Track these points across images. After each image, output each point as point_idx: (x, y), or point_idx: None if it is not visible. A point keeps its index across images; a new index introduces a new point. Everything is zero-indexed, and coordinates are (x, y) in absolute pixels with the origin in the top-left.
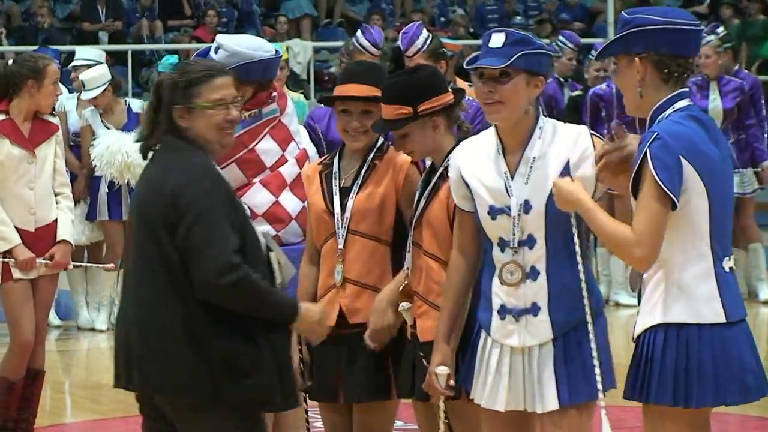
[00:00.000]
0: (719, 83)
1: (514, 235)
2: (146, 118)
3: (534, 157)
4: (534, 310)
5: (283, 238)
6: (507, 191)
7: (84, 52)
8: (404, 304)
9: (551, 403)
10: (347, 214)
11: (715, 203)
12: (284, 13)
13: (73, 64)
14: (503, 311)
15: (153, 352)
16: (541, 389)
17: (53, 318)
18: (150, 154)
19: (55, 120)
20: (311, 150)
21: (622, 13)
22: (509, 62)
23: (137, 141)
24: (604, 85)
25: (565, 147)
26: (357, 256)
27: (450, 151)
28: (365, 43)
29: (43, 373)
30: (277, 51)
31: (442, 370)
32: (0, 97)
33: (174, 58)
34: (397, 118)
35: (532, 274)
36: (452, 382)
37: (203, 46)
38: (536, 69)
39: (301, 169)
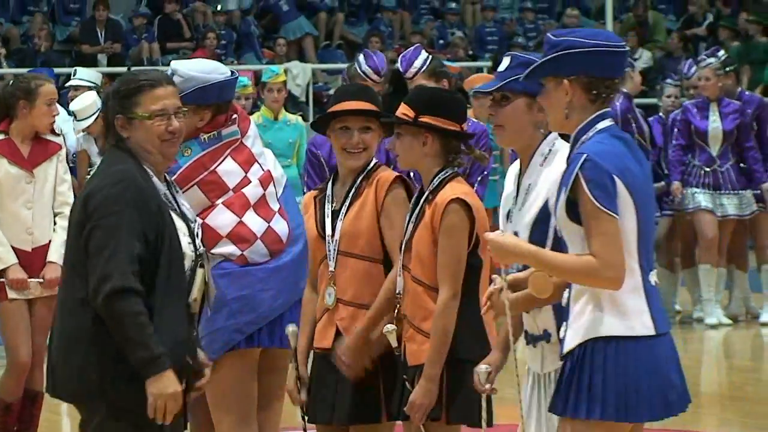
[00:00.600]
0: (719, 105)
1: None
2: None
3: (529, 185)
4: (546, 336)
5: (249, 258)
6: (509, 217)
7: (82, 73)
8: (389, 326)
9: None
10: (337, 236)
11: (643, 219)
12: (284, 34)
13: (70, 83)
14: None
15: (60, 357)
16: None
17: None
18: None
19: (58, 140)
20: (277, 172)
21: (548, 35)
22: (500, 85)
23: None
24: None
25: (549, 181)
26: (349, 278)
27: (435, 176)
28: (367, 69)
29: (42, 394)
30: (232, 72)
31: (482, 369)
32: (1, 117)
33: None
34: (399, 116)
35: None
36: (492, 385)
37: None
38: (537, 92)
39: (265, 190)
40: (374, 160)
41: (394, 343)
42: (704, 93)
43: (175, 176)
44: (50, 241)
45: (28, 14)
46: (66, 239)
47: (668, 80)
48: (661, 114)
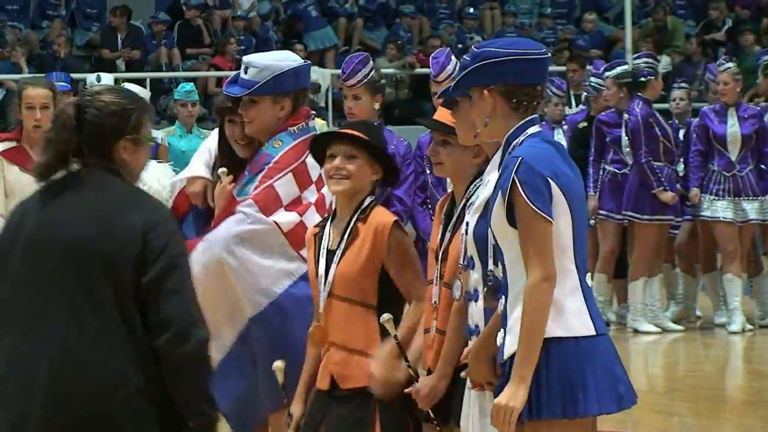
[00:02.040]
0: (737, 110)
1: (464, 253)
2: (59, 143)
3: (488, 180)
4: (477, 331)
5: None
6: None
7: (106, 79)
8: (385, 315)
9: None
10: (330, 278)
11: (576, 221)
12: (307, 42)
13: None
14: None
15: (88, 400)
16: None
17: None
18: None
19: None
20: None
21: (473, 47)
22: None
23: (36, 168)
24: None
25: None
26: (340, 321)
27: (472, 182)
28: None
29: None
30: (305, 60)
31: None
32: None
33: (190, 86)
34: (449, 123)
35: (474, 295)
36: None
37: (221, 73)
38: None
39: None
40: (369, 199)
41: (393, 331)
42: (723, 98)
43: (269, 166)
44: None
45: (48, 19)
46: (61, 270)
47: (674, 84)
48: (674, 119)
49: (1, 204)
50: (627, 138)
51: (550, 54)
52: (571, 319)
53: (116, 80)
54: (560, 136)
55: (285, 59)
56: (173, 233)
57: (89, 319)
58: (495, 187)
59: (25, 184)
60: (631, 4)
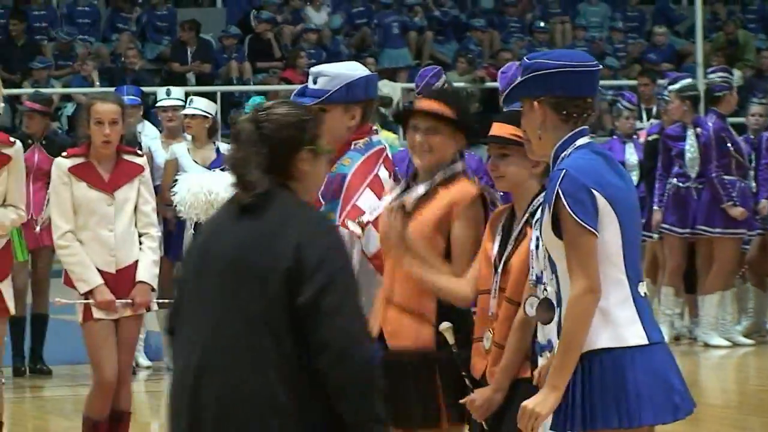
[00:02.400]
0: None
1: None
2: (255, 163)
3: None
4: (549, 346)
5: None
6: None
7: (199, 103)
8: (445, 324)
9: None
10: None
11: (627, 231)
12: (381, 59)
13: (185, 111)
14: None
15: (238, 421)
16: None
17: (142, 359)
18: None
19: (141, 161)
20: None
21: (524, 58)
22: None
23: (243, 188)
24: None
25: None
26: (405, 279)
27: (536, 197)
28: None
29: (129, 414)
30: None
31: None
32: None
33: (260, 99)
34: (508, 136)
35: None
36: None
37: (292, 87)
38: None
39: None
40: (455, 169)
41: (451, 340)
42: None
43: (345, 186)
44: (135, 262)
45: (118, 32)
46: (221, 286)
47: (753, 99)
48: (749, 134)
49: (69, 219)
50: (691, 152)
51: (601, 66)
52: (622, 329)
53: (186, 93)
54: (631, 150)
55: (356, 69)
56: (331, 247)
57: (238, 334)
58: (543, 201)
59: (92, 200)
60: (702, 18)
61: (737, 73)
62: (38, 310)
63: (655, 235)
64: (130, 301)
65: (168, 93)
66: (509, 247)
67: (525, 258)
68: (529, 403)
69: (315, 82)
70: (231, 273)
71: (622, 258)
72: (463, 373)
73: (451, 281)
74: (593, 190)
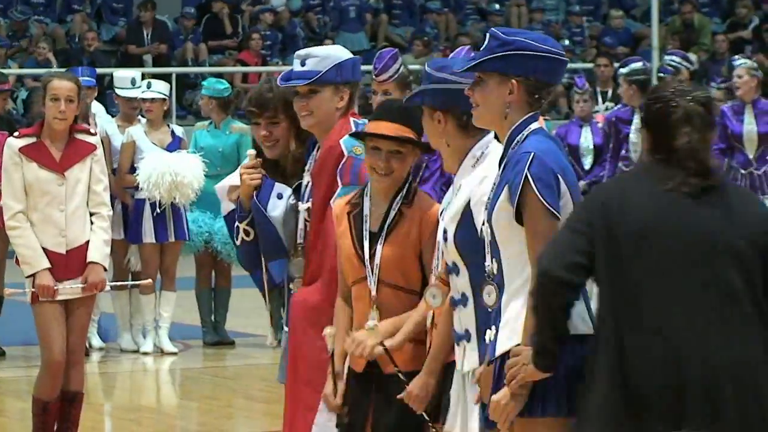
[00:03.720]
0: (754, 107)
1: (439, 261)
2: (709, 146)
3: (460, 185)
4: (467, 336)
5: None
6: (443, 216)
7: (157, 86)
8: (370, 323)
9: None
10: (377, 261)
11: None
12: (336, 41)
13: (143, 95)
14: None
15: (748, 390)
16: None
17: (95, 340)
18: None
19: (93, 139)
20: None
21: (496, 31)
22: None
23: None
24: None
25: (474, 181)
26: (390, 307)
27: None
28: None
29: (81, 394)
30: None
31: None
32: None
33: (216, 81)
34: (409, 136)
35: (462, 300)
36: None
37: (247, 69)
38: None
39: None
40: (408, 181)
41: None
42: (738, 93)
43: (356, 173)
44: (87, 242)
45: (73, 13)
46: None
47: (713, 83)
48: None
49: (20, 199)
50: (635, 135)
51: (578, 52)
52: (574, 317)
53: (143, 75)
54: (587, 134)
55: (343, 51)
56: None
57: (725, 312)
58: (499, 183)
59: (43, 180)
60: (658, 2)
61: (693, 57)
62: None
63: None
64: (82, 283)
65: (149, 85)
66: (381, 238)
67: (396, 246)
68: (501, 398)
69: (303, 64)
70: (710, 252)
71: None
72: (397, 370)
73: (418, 315)
74: (558, 176)
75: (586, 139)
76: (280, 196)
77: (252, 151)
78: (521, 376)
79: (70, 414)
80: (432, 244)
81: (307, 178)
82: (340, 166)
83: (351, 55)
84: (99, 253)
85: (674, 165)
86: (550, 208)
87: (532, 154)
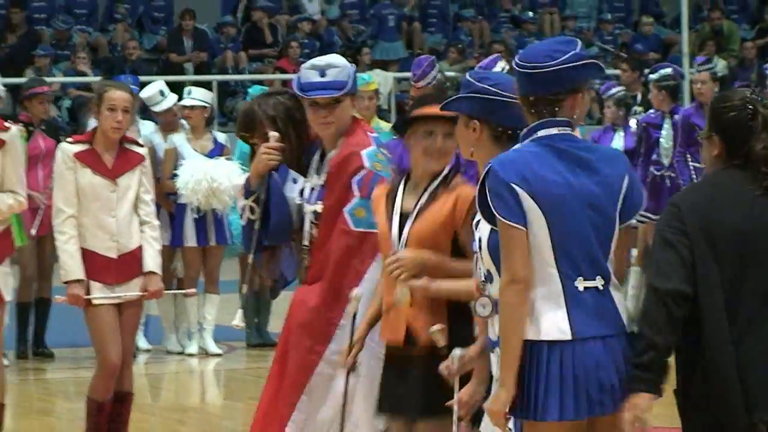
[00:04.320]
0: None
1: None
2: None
3: None
4: (499, 343)
5: None
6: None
7: (197, 93)
8: (435, 326)
9: None
10: (404, 238)
11: (558, 226)
12: (374, 51)
13: (183, 102)
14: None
15: None
16: None
17: (142, 342)
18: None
19: (142, 150)
20: None
21: (468, 74)
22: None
23: None
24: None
25: None
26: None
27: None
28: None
29: (131, 395)
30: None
31: (458, 352)
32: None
33: (260, 89)
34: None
35: (495, 308)
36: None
37: (286, 76)
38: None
39: None
40: (448, 167)
41: (442, 342)
42: (700, 98)
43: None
44: (137, 248)
45: (115, 22)
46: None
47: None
48: None
49: (72, 204)
50: (665, 139)
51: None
52: (545, 323)
53: (184, 83)
54: (617, 139)
55: (344, 59)
56: None
57: None
58: None
59: (95, 185)
60: (688, 9)
61: (722, 63)
62: (42, 294)
63: (634, 221)
64: (141, 291)
65: (188, 92)
66: (412, 216)
67: (426, 223)
68: (489, 404)
69: (323, 75)
70: None
71: (552, 253)
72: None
73: (461, 283)
74: (513, 185)
75: (617, 144)
76: (295, 181)
77: (275, 133)
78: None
79: (121, 414)
80: (469, 226)
81: (313, 181)
82: (358, 178)
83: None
84: (155, 263)
85: (751, 170)
86: (500, 217)
87: (489, 166)
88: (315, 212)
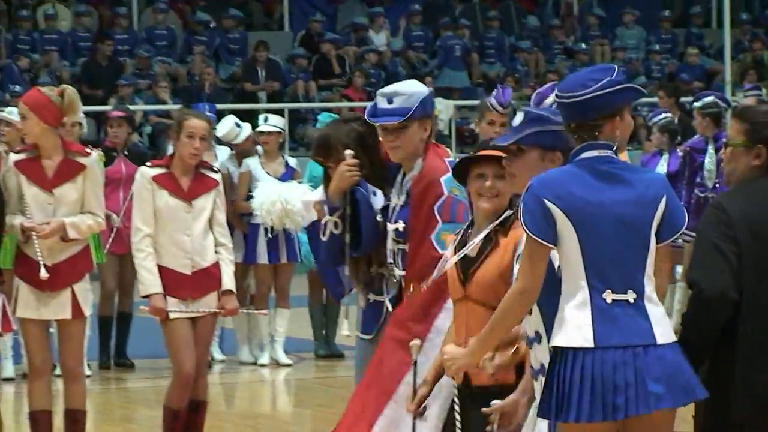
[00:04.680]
0: None
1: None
2: None
3: None
4: (543, 370)
5: None
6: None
7: (273, 120)
8: (415, 341)
9: None
10: (472, 283)
11: (590, 241)
12: (438, 76)
13: (260, 129)
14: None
15: None
16: None
17: (217, 353)
18: None
19: (216, 176)
20: None
21: (543, 113)
22: (515, 139)
23: None
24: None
25: None
26: (476, 323)
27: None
28: (493, 101)
29: (205, 403)
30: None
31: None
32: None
33: (328, 116)
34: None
35: (536, 338)
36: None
37: (353, 104)
38: (548, 144)
39: None
40: (508, 212)
41: (415, 357)
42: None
43: (456, 210)
44: (211, 265)
45: (193, 54)
46: None
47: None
48: None
49: (150, 223)
50: (709, 163)
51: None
52: (572, 331)
53: (257, 111)
54: (662, 163)
55: (420, 86)
56: None
57: None
58: None
59: (172, 207)
60: (730, 40)
61: (764, 91)
62: (123, 308)
63: (679, 240)
64: (218, 309)
65: (265, 119)
66: (477, 262)
67: (489, 270)
68: (449, 349)
69: (390, 102)
70: None
71: (582, 266)
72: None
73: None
74: (547, 201)
75: (662, 168)
76: (375, 194)
77: (350, 151)
78: None
79: (196, 421)
80: None
81: (394, 201)
82: (439, 204)
83: (428, 90)
84: (231, 281)
85: None
86: (526, 229)
87: (530, 184)
88: (396, 230)
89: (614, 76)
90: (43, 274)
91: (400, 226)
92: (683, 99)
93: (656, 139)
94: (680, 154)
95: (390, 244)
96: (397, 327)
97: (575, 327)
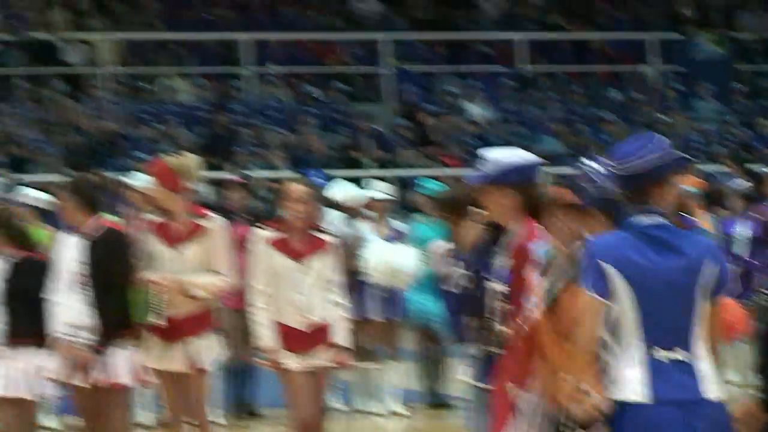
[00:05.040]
0: None
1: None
2: None
3: None
4: None
5: None
6: None
7: (383, 187)
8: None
9: None
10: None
11: (642, 302)
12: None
13: (372, 196)
14: None
15: None
16: None
17: (335, 402)
18: None
19: (328, 237)
20: None
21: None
22: None
23: None
24: None
25: None
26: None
27: None
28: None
29: None
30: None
31: None
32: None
33: (431, 182)
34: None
35: None
36: None
37: (450, 171)
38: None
39: None
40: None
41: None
42: None
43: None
44: (325, 322)
45: (304, 124)
46: None
47: None
48: None
49: (264, 282)
50: None
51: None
52: (626, 386)
53: (363, 178)
54: (740, 226)
55: (512, 155)
56: None
57: None
58: None
59: (285, 267)
60: None
61: None
62: (247, 360)
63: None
64: (332, 362)
65: (375, 186)
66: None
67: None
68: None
69: (482, 165)
70: None
71: (635, 324)
72: None
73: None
74: (602, 262)
75: (742, 231)
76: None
77: (480, 210)
78: None
79: None
80: None
81: (498, 260)
82: (528, 268)
83: (527, 160)
84: (345, 338)
85: None
86: (583, 285)
87: (590, 243)
88: (501, 291)
89: (658, 145)
90: (162, 323)
91: (505, 289)
92: (754, 166)
93: (735, 204)
94: (759, 218)
95: (490, 302)
96: (505, 377)
97: (629, 382)
